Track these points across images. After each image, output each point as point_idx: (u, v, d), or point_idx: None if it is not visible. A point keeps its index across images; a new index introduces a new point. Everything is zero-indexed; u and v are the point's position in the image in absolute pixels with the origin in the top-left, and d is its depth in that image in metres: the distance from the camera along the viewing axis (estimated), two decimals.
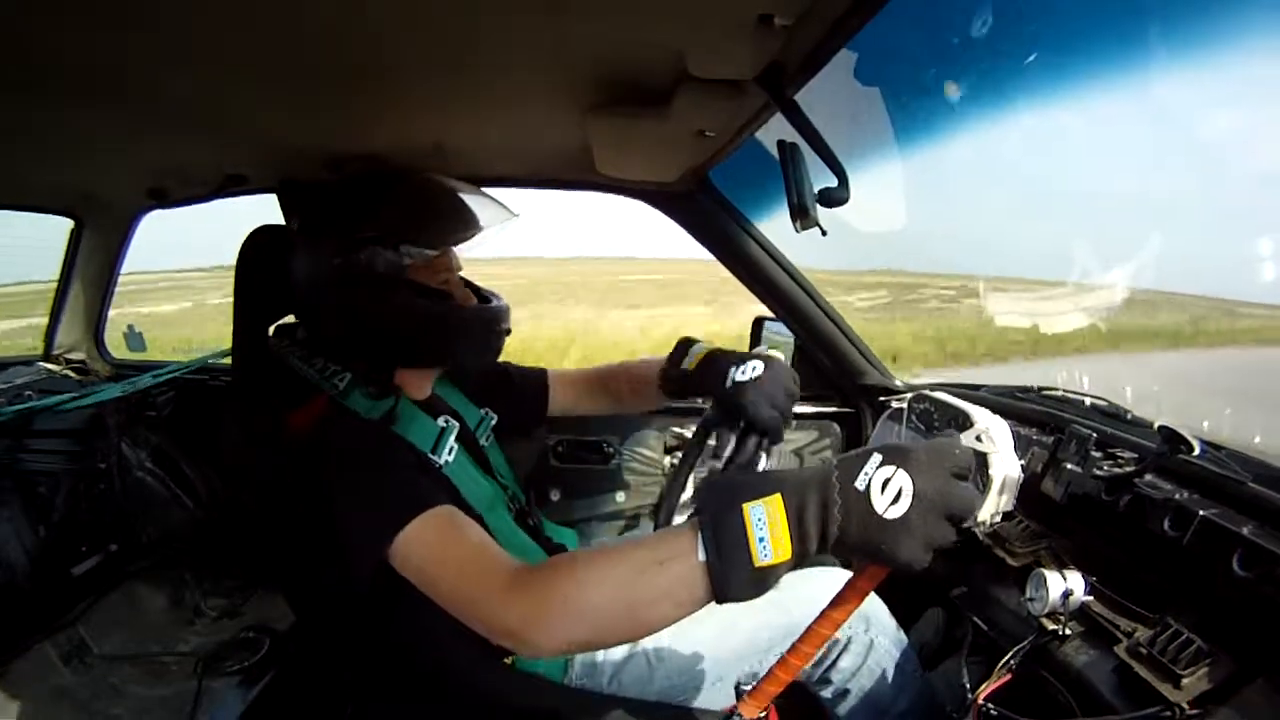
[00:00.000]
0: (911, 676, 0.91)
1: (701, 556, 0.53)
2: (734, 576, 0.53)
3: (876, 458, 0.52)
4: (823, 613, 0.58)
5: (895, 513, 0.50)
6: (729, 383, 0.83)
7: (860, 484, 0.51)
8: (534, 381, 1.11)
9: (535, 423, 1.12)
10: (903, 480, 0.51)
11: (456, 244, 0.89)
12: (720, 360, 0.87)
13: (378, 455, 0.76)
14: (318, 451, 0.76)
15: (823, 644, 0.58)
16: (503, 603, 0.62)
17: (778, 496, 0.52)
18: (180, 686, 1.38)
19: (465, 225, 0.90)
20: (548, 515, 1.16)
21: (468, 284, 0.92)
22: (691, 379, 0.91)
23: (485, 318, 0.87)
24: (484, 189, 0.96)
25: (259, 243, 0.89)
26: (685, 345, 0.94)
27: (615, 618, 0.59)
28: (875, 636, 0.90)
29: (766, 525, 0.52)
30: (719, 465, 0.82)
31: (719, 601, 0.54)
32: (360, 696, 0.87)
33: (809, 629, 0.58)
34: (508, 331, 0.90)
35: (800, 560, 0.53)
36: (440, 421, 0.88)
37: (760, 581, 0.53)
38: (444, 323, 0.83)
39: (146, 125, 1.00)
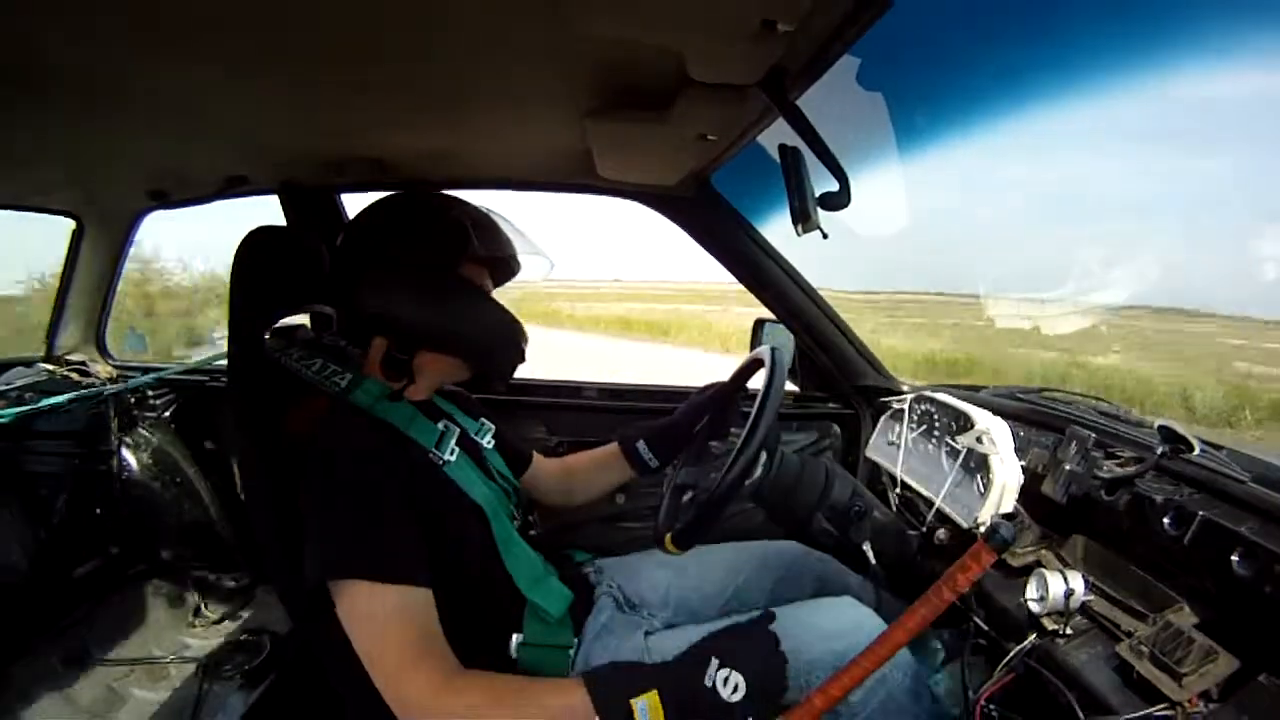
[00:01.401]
0: (926, 710, 0.87)
1: None
2: None
3: (715, 662, 0.70)
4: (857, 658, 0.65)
5: (736, 696, 0.69)
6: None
7: (708, 681, 0.69)
8: (522, 452, 1.13)
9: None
10: (736, 677, 0.69)
11: (503, 276, 0.98)
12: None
13: (377, 481, 0.76)
14: (315, 451, 0.77)
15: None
16: (424, 706, 0.70)
17: (655, 693, 0.68)
18: (181, 689, 1.38)
19: (516, 260, 0.97)
20: (547, 515, 1.17)
21: None
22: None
23: (521, 332, 0.92)
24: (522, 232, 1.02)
25: (256, 244, 0.89)
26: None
27: None
28: (888, 670, 0.85)
29: (648, 715, 0.67)
30: (716, 474, 0.82)
31: None
32: (358, 700, 0.87)
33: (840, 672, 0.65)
34: (524, 356, 0.94)
35: None
36: (440, 425, 0.89)
37: None
38: (499, 321, 0.89)
39: (147, 126, 1.01)
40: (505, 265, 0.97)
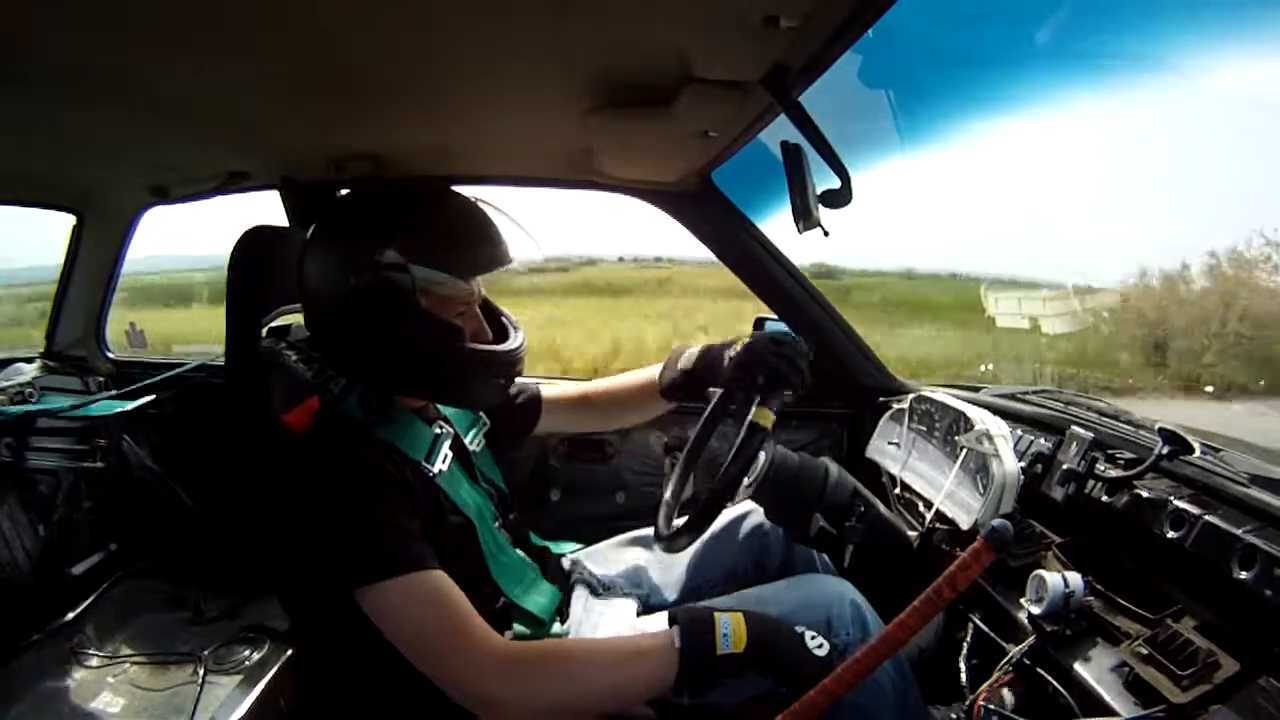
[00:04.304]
0: (911, 708, 0.85)
1: (678, 643, 0.70)
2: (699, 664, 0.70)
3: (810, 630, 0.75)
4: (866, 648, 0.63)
5: (820, 652, 0.73)
6: (726, 360, 0.93)
7: (799, 629, 0.74)
8: (528, 399, 1.10)
9: (523, 437, 1.13)
10: (824, 641, 0.74)
11: (476, 274, 0.84)
12: (715, 348, 0.96)
13: (369, 487, 0.75)
14: (308, 463, 0.77)
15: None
16: (490, 672, 0.70)
17: (741, 615, 0.73)
18: (181, 686, 1.38)
19: (488, 260, 0.82)
20: (547, 515, 1.16)
21: (491, 313, 0.88)
22: (694, 375, 0.97)
23: (491, 360, 0.82)
24: (513, 218, 0.89)
25: (252, 242, 0.89)
26: (678, 351, 1.01)
27: (599, 699, 0.73)
28: None
29: (730, 626, 0.71)
30: (717, 474, 0.82)
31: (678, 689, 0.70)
32: (357, 698, 0.87)
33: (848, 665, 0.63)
34: (516, 374, 0.87)
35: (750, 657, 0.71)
36: (435, 428, 0.88)
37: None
38: (445, 361, 0.79)
39: (148, 123, 1.00)
40: (483, 269, 0.84)
